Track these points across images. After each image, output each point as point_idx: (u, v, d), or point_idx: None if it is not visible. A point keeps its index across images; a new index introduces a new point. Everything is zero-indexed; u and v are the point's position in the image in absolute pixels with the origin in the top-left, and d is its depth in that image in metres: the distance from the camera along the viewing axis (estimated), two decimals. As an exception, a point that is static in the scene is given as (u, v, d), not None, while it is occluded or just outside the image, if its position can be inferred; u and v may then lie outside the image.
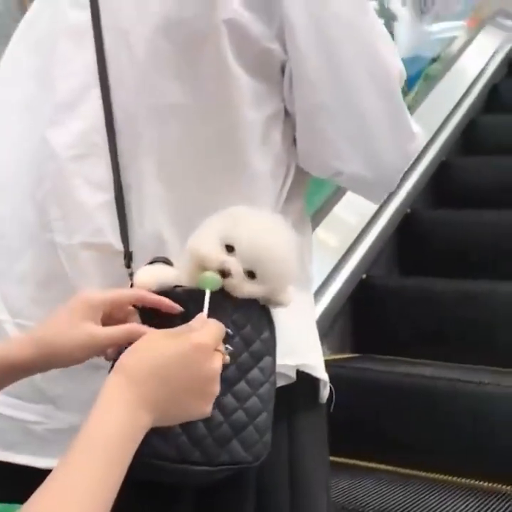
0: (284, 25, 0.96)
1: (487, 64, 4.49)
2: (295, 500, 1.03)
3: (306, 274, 1.08)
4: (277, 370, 0.90)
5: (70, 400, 0.98)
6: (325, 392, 1.07)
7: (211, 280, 0.83)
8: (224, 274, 0.84)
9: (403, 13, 3.70)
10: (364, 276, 2.86)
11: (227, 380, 0.84)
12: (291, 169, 1.03)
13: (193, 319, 0.80)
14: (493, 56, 4.59)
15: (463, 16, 4.79)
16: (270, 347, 0.88)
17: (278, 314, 0.90)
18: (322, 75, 0.97)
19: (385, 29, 1.03)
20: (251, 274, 0.86)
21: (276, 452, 0.94)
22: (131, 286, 0.89)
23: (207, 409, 0.77)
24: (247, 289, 0.85)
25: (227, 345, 0.83)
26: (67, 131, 1.00)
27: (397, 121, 1.01)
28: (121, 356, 0.75)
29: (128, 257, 0.95)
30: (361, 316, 2.82)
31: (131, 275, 0.93)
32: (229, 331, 0.84)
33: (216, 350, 0.77)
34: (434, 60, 4.15)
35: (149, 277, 0.88)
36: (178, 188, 0.97)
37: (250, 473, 0.96)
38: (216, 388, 0.77)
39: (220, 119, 0.96)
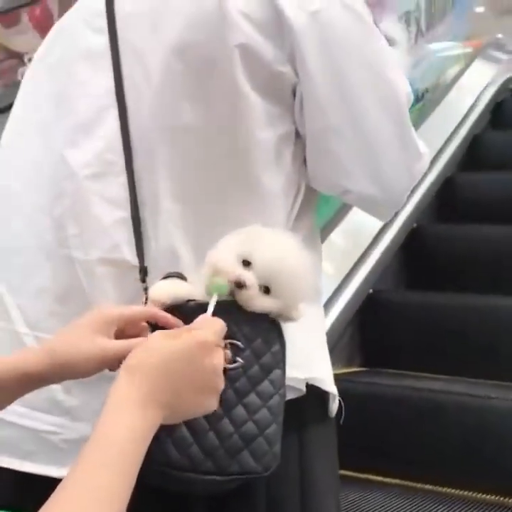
0: (295, 49, 0.98)
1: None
2: (305, 507, 1.04)
3: (316, 289, 1.09)
4: (287, 383, 0.92)
5: (85, 410, 1.00)
6: (334, 406, 1.08)
7: (219, 285, 0.86)
8: (239, 285, 0.86)
9: (402, 37, 3.73)
10: (371, 291, 2.89)
11: (238, 392, 0.86)
12: (302, 188, 1.05)
13: (196, 320, 0.82)
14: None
15: (461, 38, 4.81)
16: (280, 360, 0.90)
17: (288, 328, 0.92)
18: (331, 98, 1.00)
19: (392, 53, 1.06)
20: (266, 290, 0.88)
21: (286, 464, 0.95)
22: (146, 300, 0.92)
23: (212, 403, 0.78)
24: (261, 302, 0.88)
25: (238, 358, 0.85)
26: (84, 150, 1.04)
27: (405, 142, 1.04)
28: (127, 357, 0.76)
29: (143, 271, 0.97)
30: (368, 330, 2.84)
31: (146, 289, 0.95)
32: (239, 343, 0.86)
33: (218, 346, 0.79)
34: (426, 91, 4.06)
35: (163, 292, 0.90)
36: (192, 205, 0.99)
37: (260, 484, 0.97)
38: (220, 382, 0.78)
39: (231, 139, 0.99)
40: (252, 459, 0.87)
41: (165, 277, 0.93)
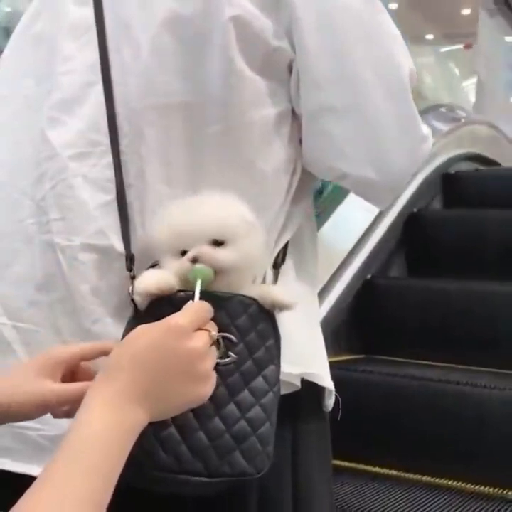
0: (292, 22, 0.94)
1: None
2: (298, 507, 1.01)
3: (311, 280, 1.06)
4: (282, 378, 0.88)
5: None
6: (330, 401, 1.05)
7: (201, 270, 0.82)
8: (195, 260, 0.83)
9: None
10: (369, 276, 2.85)
11: (230, 389, 0.82)
12: (298, 170, 1.01)
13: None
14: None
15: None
16: (274, 355, 0.86)
17: (283, 322, 0.88)
18: (329, 75, 0.94)
19: (395, 29, 0.99)
20: (216, 243, 0.85)
21: (280, 460, 0.92)
22: (132, 289, 0.87)
23: (204, 390, 0.74)
24: (221, 254, 0.84)
25: (231, 353, 0.82)
26: (67, 129, 0.98)
27: (407, 123, 0.98)
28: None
29: (129, 259, 0.92)
30: (366, 316, 2.80)
31: (133, 278, 0.89)
32: (232, 337, 0.82)
33: (195, 329, 0.74)
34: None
35: (150, 282, 0.85)
36: (181, 188, 0.94)
37: (252, 485, 0.94)
38: (205, 366, 0.74)
39: (224, 117, 0.94)
40: (244, 459, 0.83)
41: (152, 266, 0.89)
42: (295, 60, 0.95)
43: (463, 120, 4.34)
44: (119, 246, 0.94)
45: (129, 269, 0.91)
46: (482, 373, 2.39)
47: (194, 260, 0.83)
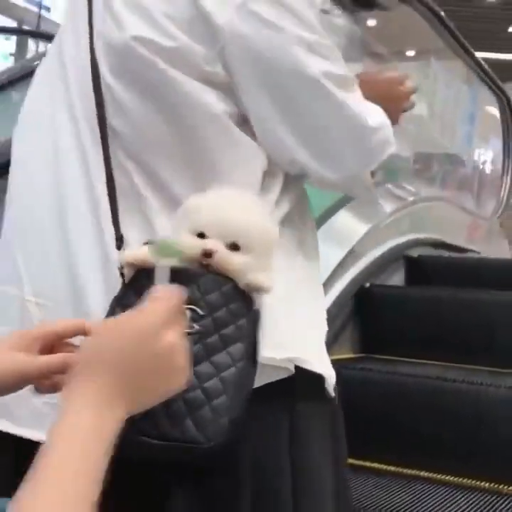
0: (223, 47, 0.98)
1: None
2: (297, 492, 1.01)
3: (311, 269, 1.09)
4: (266, 362, 0.92)
5: None
6: (329, 389, 1.05)
7: (168, 246, 0.83)
8: (208, 254, 0.87)
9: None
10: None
11: (191, 358, 0.82)
12: (266, 164, 1.03)
13: (151, 293, 0.77)
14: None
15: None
16: (245, 335, 0.88)
17: (273, 308, 0.92)
18: (260, 91, 1.00)
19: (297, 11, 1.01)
20: (234, 247, 0.88)
21: (276, 442, 0.95)
22: (121, 267, 0.93)
23: (180, 381, 0.75)
24: (236, 260, 0.88)
25: (195, 325, 0.85)
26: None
27: (343, 117, 1.02)
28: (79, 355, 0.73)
29: (119, 239, 0.98)
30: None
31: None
32: (199, 310, 0.86)
33: (171, 323, 0.74)
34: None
35: (135, 254, 0.91)
36: (162, 188, 1.00)
37: (243, 460, 0.95)
38: (181, 359, 0.74)
39: (180, 120, 1.00)
40: (195, 427, 0.84)
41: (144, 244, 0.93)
42: (231, 79, 1.00)
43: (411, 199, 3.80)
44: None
45: (118, 247, 0.97)
46: (478, 371, 2.42)
47: (207, 254, 0.87)
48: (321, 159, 1.03)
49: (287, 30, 0.99)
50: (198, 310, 0.86)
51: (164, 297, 0.75)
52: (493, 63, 5.54)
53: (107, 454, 0.67)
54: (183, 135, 1.00)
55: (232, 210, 0.90)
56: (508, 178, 5.42)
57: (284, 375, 0.98)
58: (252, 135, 1.02)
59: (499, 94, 5.20)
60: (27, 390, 0.87)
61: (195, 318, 0.86)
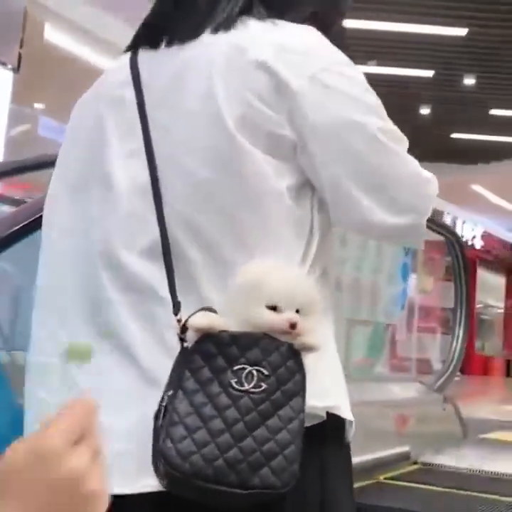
0: (294, 111, 1.05)
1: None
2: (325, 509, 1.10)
3: (329, 322, 1.15)
4: (308, 411, 0.99)
5: (118, 429, 1.00)
6: (351, 431, 1.14)
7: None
8: (294, 326, 0.97)
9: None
10: None
11: (262, 414, 0.94)
12: (315, 234, 1.10)
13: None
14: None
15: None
16: (300, 388, 0.98)
17: (309, 360, 1.00)
18: (329, 151, 1.07)
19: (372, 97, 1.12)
20: (298, 312, 0.99)
21: (308, 486, 1.05)
22: (181, 331, 0.99)
23: (100, 508, 0.60)
24: (306, 325, 0.98)
25: (262, 383, 0.95)
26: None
27: (404, 165, 1.11)
28: None
29: (177, 306, 1.02)
30: None
31: (179, 321, 1.00)
32: (264, 370, 0.95)
33: (69, 446, 0.59)
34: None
35: (202, 320, 0.98)
36: (213, 251, 1.05)
37: (281, 507, 1.02)
38: (91, 486, 0.59)
39: (242, 190, 1.05)
40: (273, 474, 0.94)
41: (197, 311, 0.99)
42: (297, 142, 1.07)
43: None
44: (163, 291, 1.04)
45: (175, 313, 1.01)
46: None
47: (293, 326, 0.97)
48: (392, 209, 1.08)
49: (353, 96, 1.09)
50: (264, 370, 0.95)
51: (73, 410, 0.61)
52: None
53: None
54: (241, 201, 1.05)
55: (296, 281, 1.01)
56: (461, 331, 4.33)
57: (318, 420, 1.06)
58: (303, 208, 1.09)
59: (444, 233, 4.20)
60: None
61: (261, 377, 0.95)
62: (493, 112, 11.96)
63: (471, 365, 19.75)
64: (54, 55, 7.57)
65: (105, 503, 0.61)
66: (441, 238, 3.98)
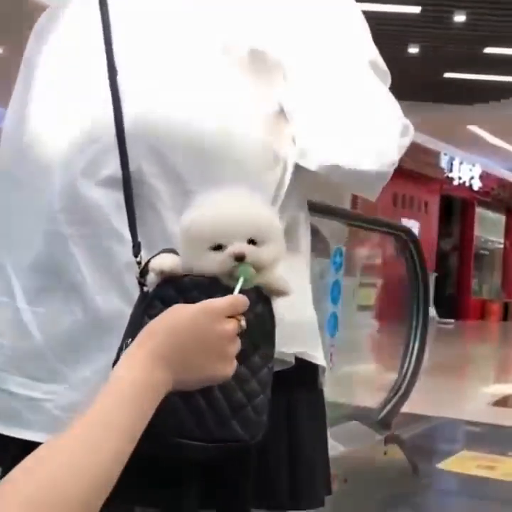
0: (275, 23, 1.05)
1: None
2: (295, 468, 1.08)
3: (305, 267, 1.13)
4: (276, 356, 0.97)
5: (77, 378, 1.02)
6: (323, 378, 1.14)
7: (246, 270, 0.88)
8: (240, 258, 0.89)
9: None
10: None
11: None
12: (288, 165, 1.06)
13: None
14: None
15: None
16: (269, 336, 0.95)
17: (278, 305, 0.95)
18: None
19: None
20: (253, 243, 0.91)
21: (275, 425, 0.99)
22: (140, 273, 0.95)
23: (226, 370, 0.82)
24: (265, 253, 0.91)
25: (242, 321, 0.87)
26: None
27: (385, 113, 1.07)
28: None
29: (137, 246, 0.99)
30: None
31: (139, 263, 0.97)
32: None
33: (229, 315, 0.82)
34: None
35: (165, 262, 0.93)
36: (180, 183, 1.02)
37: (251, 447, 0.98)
38: (231, 349, 0.82)
39: (215, 119, 1.02)
40: (240, 427, 0.91)
41: (159, 253, 0.95)
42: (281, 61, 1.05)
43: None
44: (125, 232, 1.01)
45: (136, 255, 0.98)
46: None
47: (240, 258, 0.89)
48: (362, 153, 1.04)
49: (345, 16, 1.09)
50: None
51: (236, 295, 0.85)
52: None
53: (149, 409, 0.75)
54: (212, 130, 1.02)
55: (240, 209, 0.93)
56: (416, 344, 3.65)
57: (283, 366, 1.03)
58: (277, 141, 1.05)
59: (393, 232, 3.63)
60: (41, 395, 1.00)
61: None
62: (488, 50, 11.20)
63: (466, 310, 19.53)
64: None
65: (233, 369, 0.83)
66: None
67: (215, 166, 1.01)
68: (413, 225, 17.35)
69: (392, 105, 1.07)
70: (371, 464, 3.28)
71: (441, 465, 3.80)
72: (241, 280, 0.87)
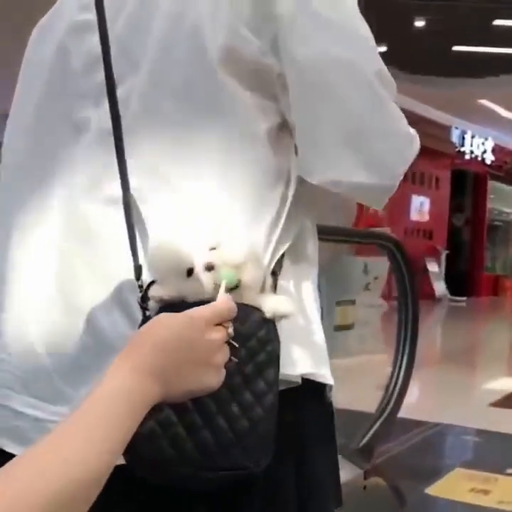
0: (278, 37, 0.98)
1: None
2: (302, 493, 1.03)
3: (313, 287, 1.09)
4: (282, 378, 0.94)
5: (80, 399, 0.95)
6: (331, 394, 1.10)
7: (227, 274, 0.89)
8: (209, 267, 0.89)
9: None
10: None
11: (232, 390, 0.89)
12: (292, 180, 1.04)
13: None
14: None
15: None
16: (274, 359, 0.92)
17: (283, 326, 0.93)
18: (314, 88, 0.99)
19: (364, 29, 1.04)
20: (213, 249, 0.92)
21: (283, 446, 0.96)
22: (143, 298, 0.93)
23: (214, 381, 0.80)
24: (228, 247, 0.91)
25: (232, 357, 0.85)
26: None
27: (391, 122, 1.03)
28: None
29: (138, 270, 0.96)
30: None
31: (141, 287, 0.94)
32: (235, 343, 0.85)
33: (219, 325, 0.81)
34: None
35: (163, 290, 0.92)
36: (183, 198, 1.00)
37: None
38: (219, 358, 0.80)
39: (215, 132, 0.99)
40: (244, 455, 0.89)
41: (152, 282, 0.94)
42: (283, 74, 1.00)
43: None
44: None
45: (137, 278, 0.95)
46: None
47: (210, 267, 0.89)
48: (368, 166, 1.00)
49: (346, 27, 1.02)
50: (235, 343, 0.85)
51: (222, 302, 0.83)
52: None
53: (130, 420, 0.72)
54: (213, 145, 1.00)
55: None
56: (404, 360, 3.40)
57: (289, 385, 0.99)
58: (282, 154, 1.03)
59: (378, 242, 3.46)
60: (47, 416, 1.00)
61: (232, 350, 0.85)
62: (498, 22, 10.81)
63: (479, 286, 19.24)
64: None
65: (221, 380, 0.81)
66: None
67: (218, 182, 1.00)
68: (423, 202, 17.16)
69: (398, 117, 1.03)
70: (350, 499, 3.04)
71: (430, 490, 3.52)
72: (223, 283, 0.88)
